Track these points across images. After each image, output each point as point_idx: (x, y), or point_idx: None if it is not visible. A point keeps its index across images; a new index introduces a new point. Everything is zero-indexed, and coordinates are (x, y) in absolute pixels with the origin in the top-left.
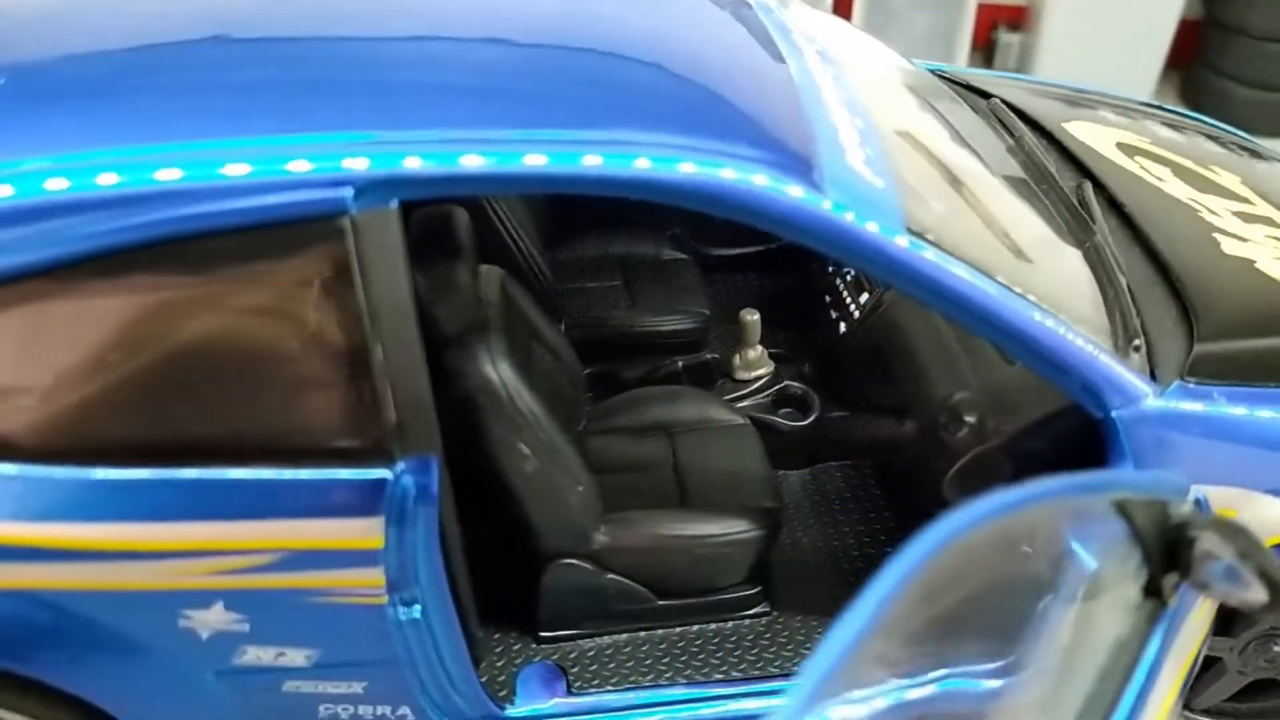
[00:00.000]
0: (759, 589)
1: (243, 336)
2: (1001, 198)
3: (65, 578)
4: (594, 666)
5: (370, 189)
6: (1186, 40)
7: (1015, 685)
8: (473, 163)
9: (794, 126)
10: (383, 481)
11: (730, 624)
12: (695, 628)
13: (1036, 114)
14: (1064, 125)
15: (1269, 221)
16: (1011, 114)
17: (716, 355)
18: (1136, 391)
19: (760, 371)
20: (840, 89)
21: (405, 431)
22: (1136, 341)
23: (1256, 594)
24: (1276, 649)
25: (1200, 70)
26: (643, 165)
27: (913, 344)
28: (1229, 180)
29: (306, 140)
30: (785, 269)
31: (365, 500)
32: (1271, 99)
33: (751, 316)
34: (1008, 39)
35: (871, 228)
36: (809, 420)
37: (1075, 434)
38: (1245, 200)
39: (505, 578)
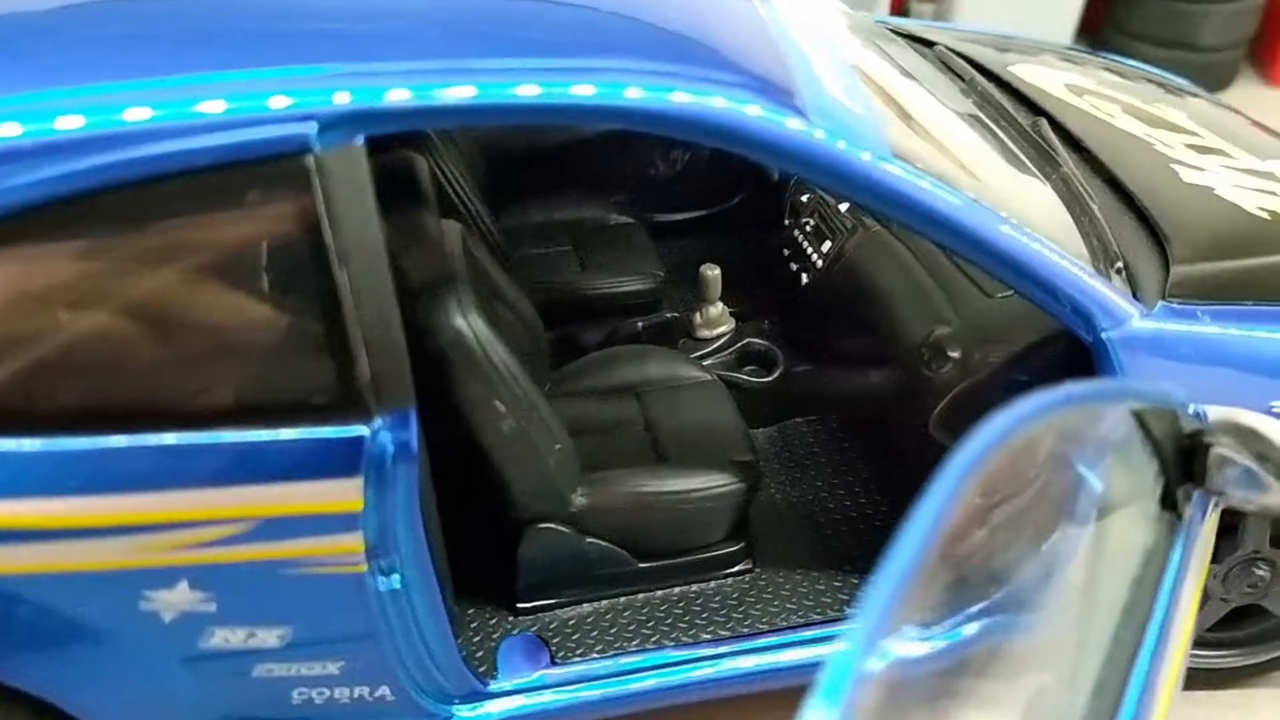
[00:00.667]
0: (741, 545)
1: (203, 289)
2: (965, 133)
3: (10, 561)
4: (576, 635)
5: (336, 124)
6: (1095, 5)
7: (1037, 621)
8: (460, 93)
9: (771, 58)
10: (359, 439)
11: (714, 583)
12: (678, 589)
13: (982, 59)
14: (1010, 69)
15: (1220, 153)
16: (958, 58)
17: (677, 314)
18: (1124, 313)
19: (722, 329)
20: (804, 26)
21: (381, 384)
22: (1118, 264)
23: (1276, 497)
24: (1259, 573)
25: (1110, 33)
26: (634, 94)
27: (883, 286)
28: (1175, 116)
29: (274, 75)
30: (736, 229)
31: (341, 460)
32: (1181, 56)
33: (712, 271)
34: (920, 8)
35: (865, 156)
36: (774, 376)
37: (1064, 360)
38: (1194, 134)
39: (479, 547)
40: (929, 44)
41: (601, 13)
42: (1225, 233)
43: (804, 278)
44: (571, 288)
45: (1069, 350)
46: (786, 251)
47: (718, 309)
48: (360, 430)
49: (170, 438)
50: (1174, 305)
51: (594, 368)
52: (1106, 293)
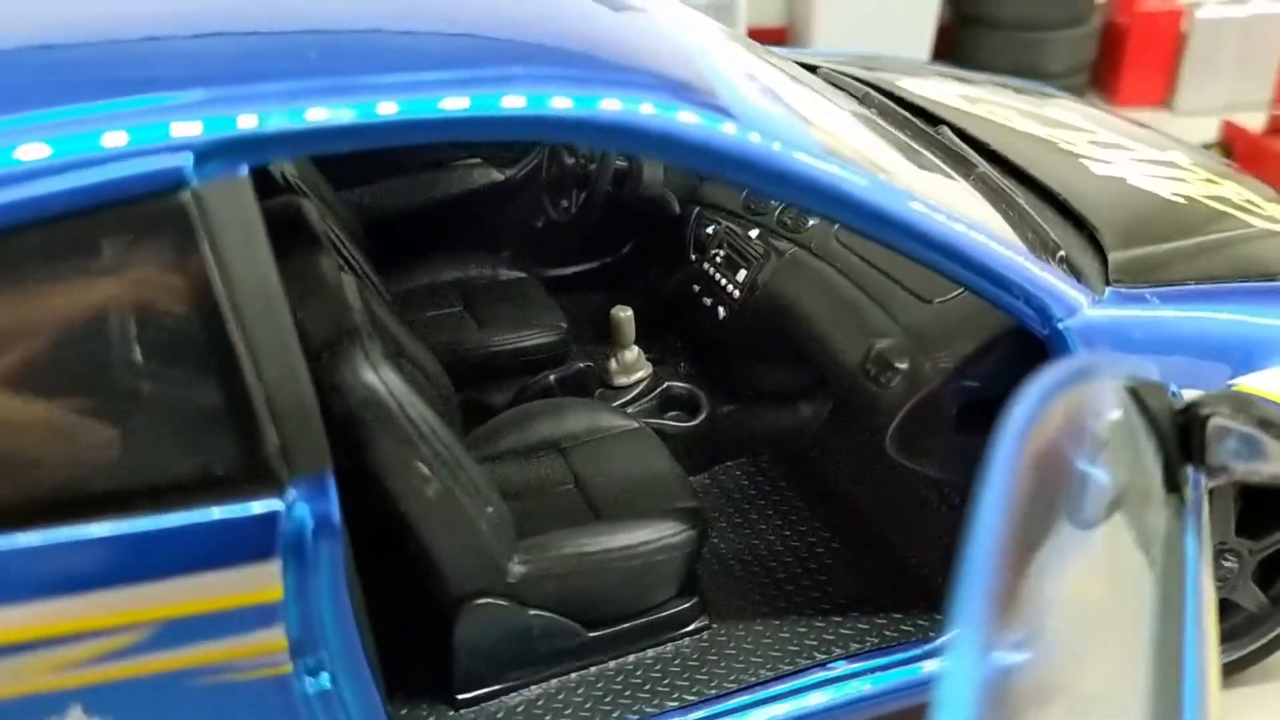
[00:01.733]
0: (694, 601)
1: (70, 354)
2: (875, 139)
3: None
4: None
5: (213, 153)
6: (942, 39)
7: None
8: (383, 109)
9: (683, 62)
10: (273, 515)
11: (670, 646)
12: (633, 657)
13: (870, 77)
14: (899, 84)
15: (1121, 147)
16: (845, 77)
17: (590, 363)
18: (1075, 301)
19: (640, 374)
20: (698, 31)
21: (292, 449)
22: (1060, 253)
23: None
24: (1227, 565)
25: (958, 66)
26: (561, 104)
27: (808, 308)
28: (1069, 117)
29: (135, 104)
30: (637, 275)
31: (253, 541)
32: None
33: (624, 313)
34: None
35: (803, 158)
36: (699, 420)
37: (1020, 357)
38: (1092, 132)
39: (407, 634)
40: (810, 68)
41: (494, 22)
42: (1148, 218)
43: (720, 311)
44: (471, 347)
45: (1023, 346)
46: (697, 288)
47: (633, 353)
48: (273, 504)
49: (47, 535)
50: (1122, 290)
51: (509, 428)
52: (1056, 282)
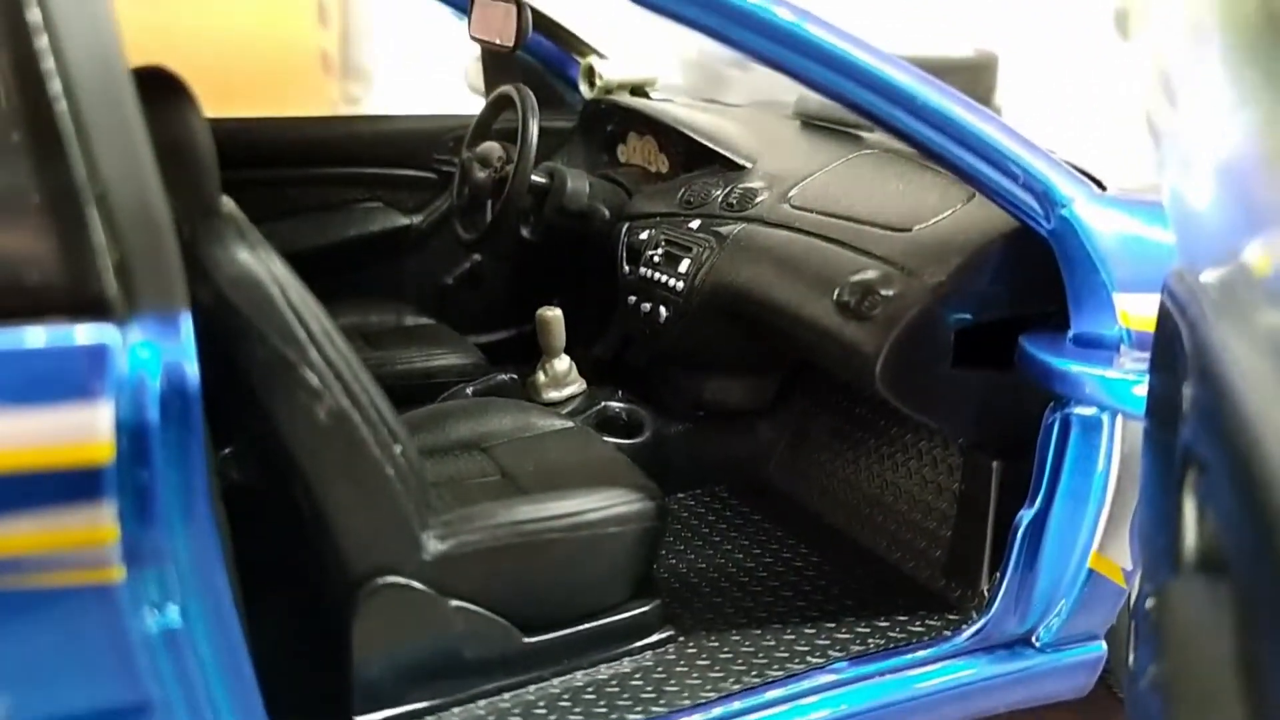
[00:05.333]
0: (657, 603)
1: None
2: None
3: None
4: None
5: None
6: None
7: None
8: None
9: None
10: (103, 349)
11: (628, 661)
12: (583, 674)
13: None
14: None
15: None
16: None
17: (514, 375)
18: (1077, 190)
19: (572, 389)
20: None
21: (134, 270)
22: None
23: None
24: None
25: None
26: None
27: (766, 275)
28: None
29: None
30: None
31: (75, 378)
32: None
33: (552, 313)
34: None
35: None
36: (644, 438)
37: (1019, 272)
38: None
39: (290, 633)
40: None
41: None
42: None
43: (662, 312)
44: (375, 364)
45: (1023, 258)
46: (633, 298)
47: (564, 364)
48: (105, 334)
49: None
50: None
51: (421, 426)
52: (1057, 168)
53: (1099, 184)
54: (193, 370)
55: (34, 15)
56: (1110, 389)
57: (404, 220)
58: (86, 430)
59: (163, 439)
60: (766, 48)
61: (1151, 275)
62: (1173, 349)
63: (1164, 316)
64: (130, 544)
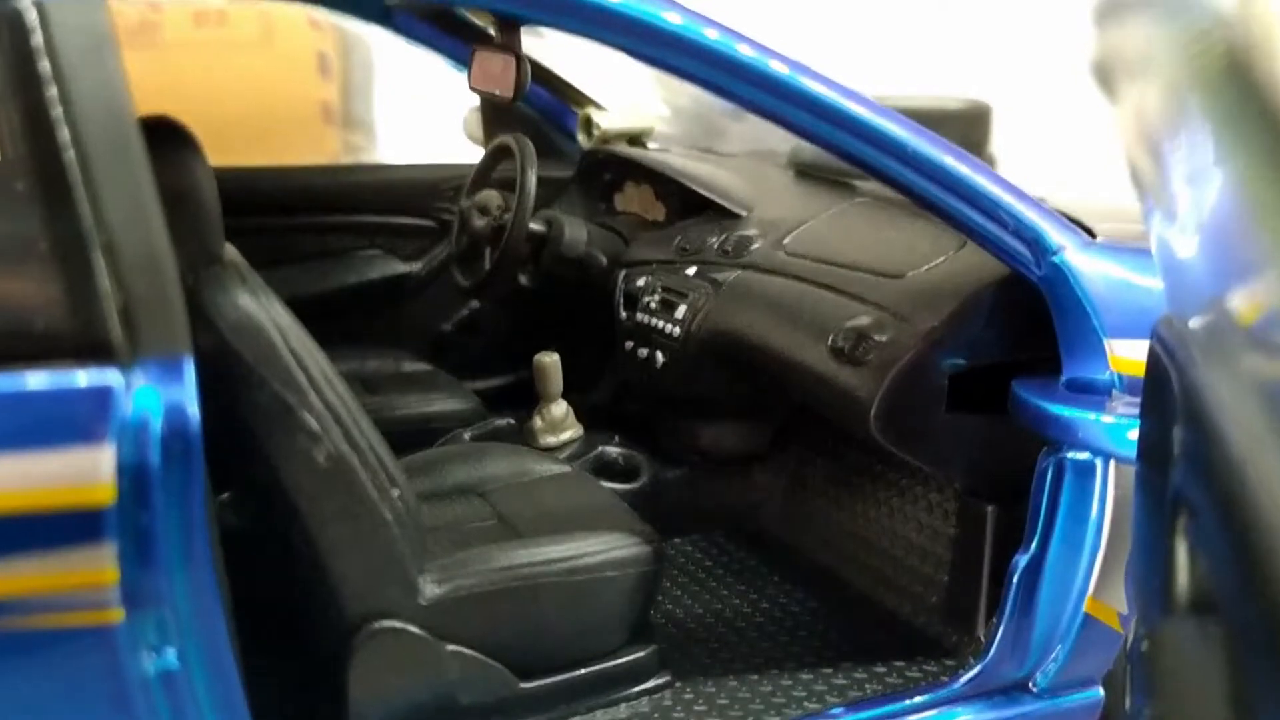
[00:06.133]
0: (652, 649)
1: None
2: None
3: None
4: None
5: None
6: None
7: None
8: None
9: None
10: (107, 391)
11: (625, 706)
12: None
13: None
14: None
15: None
16: None
17: (511, 420)
18: (1067, 238)
19: (569, 434)
20: None
21: (137, 314)
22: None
23: None
24: None
25: None
26: None
27: (761, 321)
28: None
29: None
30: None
31: (77, 421)
32: None
33: (549, 358)
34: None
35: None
36: (640, 483)
37: (1011, 317)
38: None
39: (285, 677)
40: None
41: None
42: None
43: (659, 358)
44: (372, 410)
45: (1015, 304)
46: (630, 343)
47: (561, 409)
48: (108, 377)
49: None
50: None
51: (416, 472)
52: (1047, 216)
53: (1089, 231)
54: (194, 413)
55: (44, 66)
56: (1103, 433)
57: (403, 268)
58: (88, 472)
59: (164, 481)
60: (760, 99)
61: (1142, 321)
62: (1163, 393)
63: (1154, 361)
64: (130, 586)
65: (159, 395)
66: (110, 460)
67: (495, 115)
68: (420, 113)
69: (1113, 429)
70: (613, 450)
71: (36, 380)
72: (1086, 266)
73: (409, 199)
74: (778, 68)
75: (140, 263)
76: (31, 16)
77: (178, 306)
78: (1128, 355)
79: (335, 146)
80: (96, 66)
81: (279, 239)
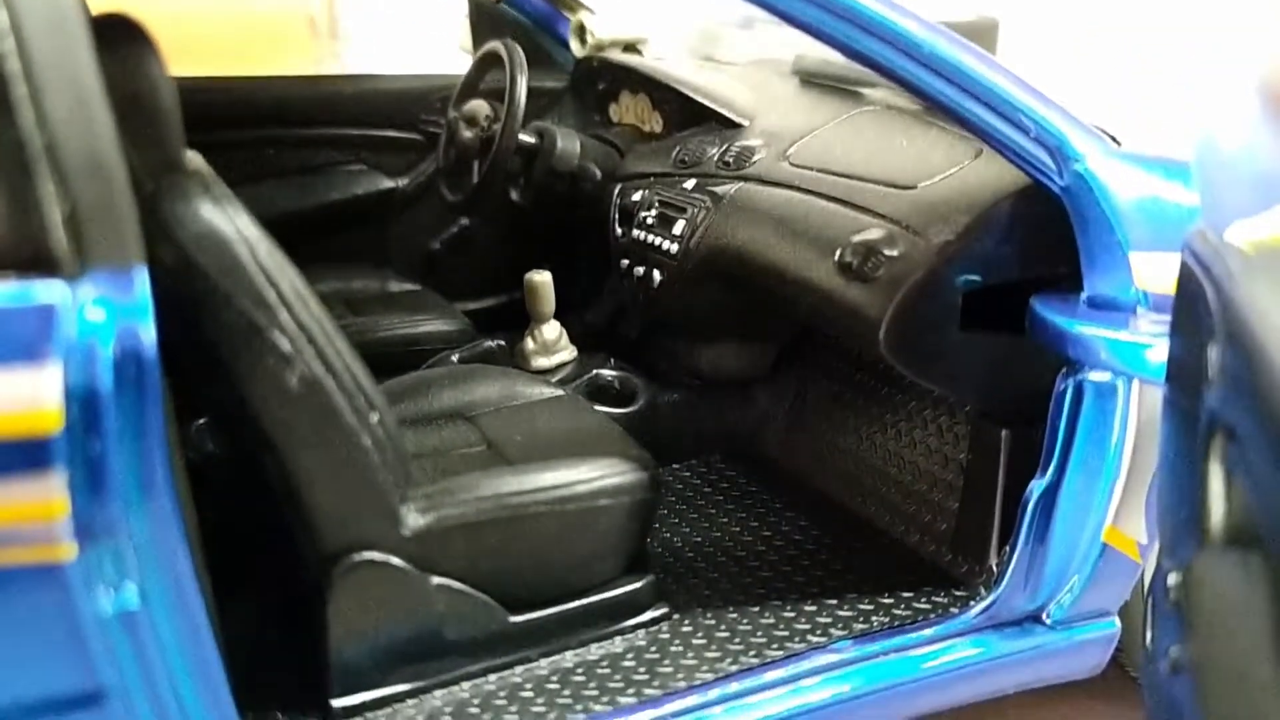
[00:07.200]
0: (650, 579)
1: None
2: None
3: None
4: None
5: None
6: None
7: None
8: None
9: None
10: (50, 308)
11: (620, 640)
12: (572, 654)
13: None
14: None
15: None
16: None
17: (502, 341)
18: (1091, 144)
19: (562, 356)
20: None
21: (84, 222)
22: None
23: None
24: None
25: None
26: None
27: (764, 236)
28: None
29: None
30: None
31: (20, 339)
32: None
33: (540, 276)
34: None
35: None
36: (637, 407)
37: (1029, 230)
38: None
39: (261, 616)
40: None
41: None
42: None
43: (656, 276)
44: (357, 330)
45: (1033, 216)
46: (626, 261)
47: (554, 330)
48: (52, 290)
49: None
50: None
51: (402, 395)
52: (1071, 120)
53: (1114, 139)
54: (149, 332)
55: None
56: (1126, 354)
57: (389, 183)
58: (32, 396)
59: (117, 406)
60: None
61: (1169, 235)
62: (1195, 311)
63: (1186, 277)
64: (82, 519)
65: (110, 311)
66: (56, 382)
67: (484, 21)
68: (407, 23)
69: (1137, 349)
70: (608, 373)
71: None
72: (1111, 176)
73: (394, 111)
74: None
75: (86, 167)
76: None
77: (129, 214)
78: (1154, 271)
79: (320, 55)
80: None
81: (255, 153)
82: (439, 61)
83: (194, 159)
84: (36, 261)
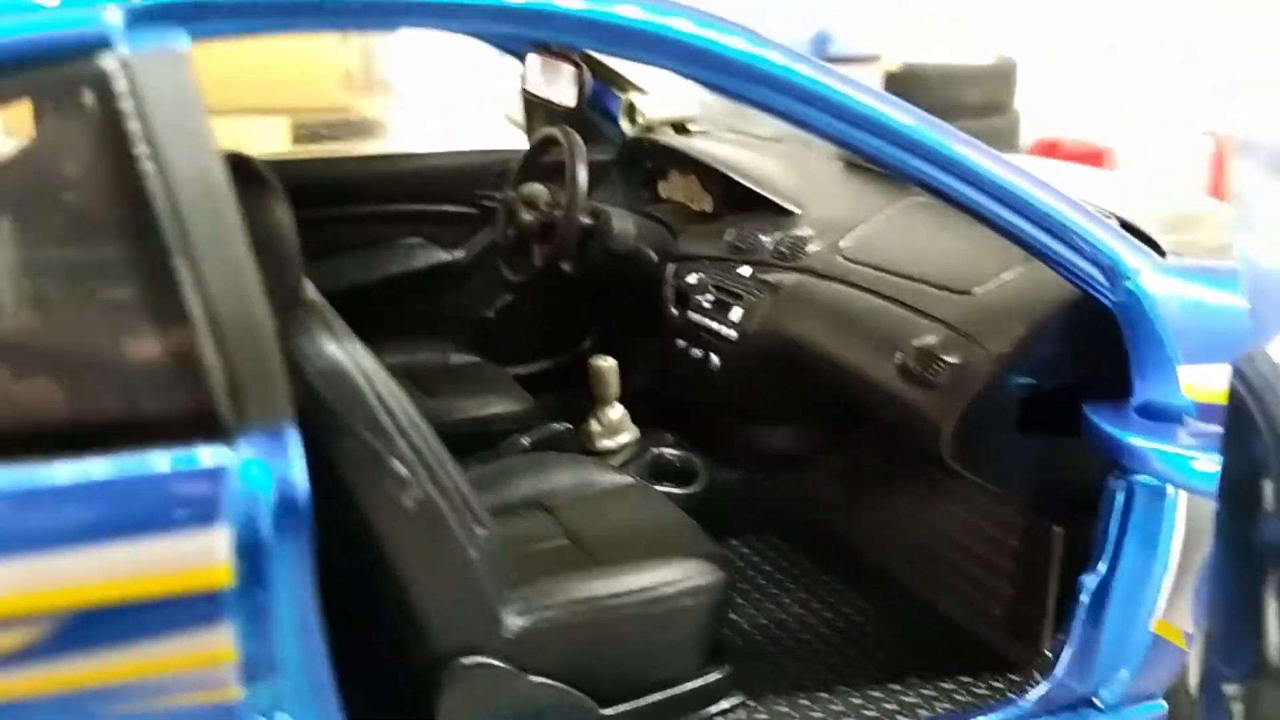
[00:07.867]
0: (726, 672)
1: None
2: None
3: None
4: None
5: (151, 13)
6: None
7: None
8: None
9: None
10: (220, 470)
11: None
12: None
13: None
14: None
15: None
16: None
17: (568, 425)
18: (1141, 262)
19: (625, 438)
20: None
21: (242, 387)
22: (1109, 220)
23: None
24: None
25: None
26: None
27: (822, 330)
28: None
29: None
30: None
31: (194, 501)
32: None
33: (605, 362)
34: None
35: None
36: (697, 488)
37: (1083, 339)
38: None
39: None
40: None
41: None
42: None
43: (714, 360)
44: (426, 415)
45: (1087, 325)
46: (683, 342)
47: (617, 412)
48: (220, 455)
49: None
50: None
51: (482, 485)
52: (1121, 240)
53: (1157, 248)
54: (303, 484)
55: (134, 126)
56: (1175, 464)
57: (445, 255)
58: (205, 555)
59: (278, 556)
60: (803, 112)
61: (1215, 345)
62: (1246, 435)
63: (1236, 400)
64: (248, 662)
65: (268, 468)
66: (226, 541)
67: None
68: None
69: (1185, 460)
70: (669, 453)
71: (149, 463)
72: (1160, 290)
73: (451, 186)
74: (839, 87)
75: (242, 331)
76: (119, 78)
77: (279, 374)
78: (1201, 382)
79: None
80: (188, 130)
81: (319, 231)
82: (482, 124)
83: (308, 289)
84: (200, 425)
